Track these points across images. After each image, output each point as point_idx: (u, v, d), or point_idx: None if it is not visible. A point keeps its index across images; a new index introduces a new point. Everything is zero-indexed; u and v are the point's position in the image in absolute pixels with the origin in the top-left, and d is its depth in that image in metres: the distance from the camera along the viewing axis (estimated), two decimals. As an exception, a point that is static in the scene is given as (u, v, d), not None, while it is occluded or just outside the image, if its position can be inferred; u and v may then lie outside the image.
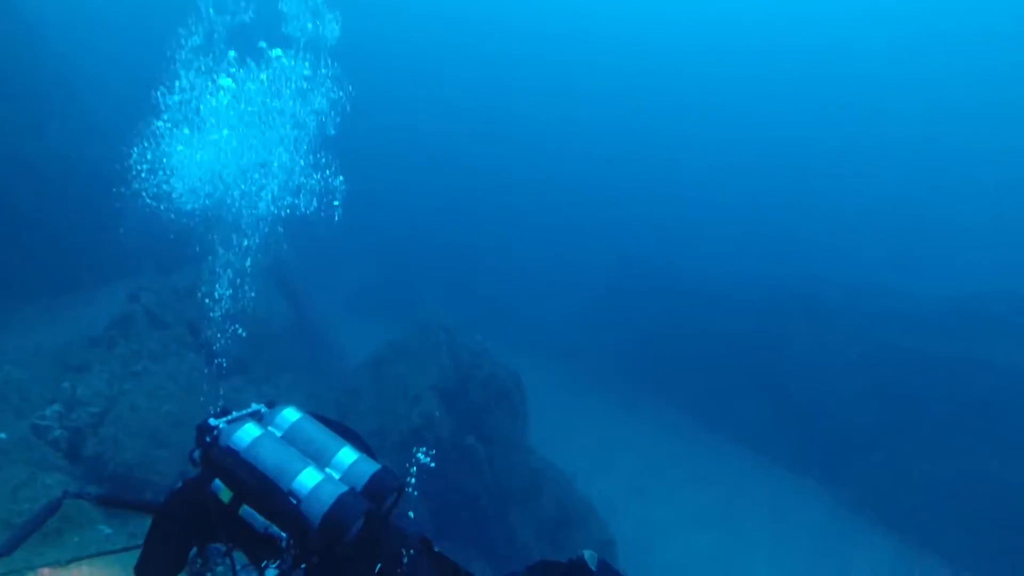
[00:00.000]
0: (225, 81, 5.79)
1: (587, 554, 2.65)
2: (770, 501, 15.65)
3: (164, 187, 6.05)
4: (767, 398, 19.05)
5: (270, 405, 2.82)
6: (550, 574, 2.65)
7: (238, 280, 7.04)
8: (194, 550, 2.59)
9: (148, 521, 2.60)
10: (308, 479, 2.45)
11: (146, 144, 6.03)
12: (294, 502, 2.40)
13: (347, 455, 2.65)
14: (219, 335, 8.01)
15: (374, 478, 2.60)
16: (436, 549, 2.74)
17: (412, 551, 2.62)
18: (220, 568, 2.60)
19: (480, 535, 10.57)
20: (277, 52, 6.11)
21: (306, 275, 23.62)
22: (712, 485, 15.81)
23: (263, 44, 6.06)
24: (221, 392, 9.12)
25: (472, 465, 10.58)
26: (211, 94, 5.82)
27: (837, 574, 13.41)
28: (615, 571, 2.65)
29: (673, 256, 26.91)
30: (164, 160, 5.96)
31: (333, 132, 6.56)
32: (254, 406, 2.81)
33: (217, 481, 2.45)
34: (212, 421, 2.63)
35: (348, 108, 6.59)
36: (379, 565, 2.53)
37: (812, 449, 17.51)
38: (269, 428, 2.66)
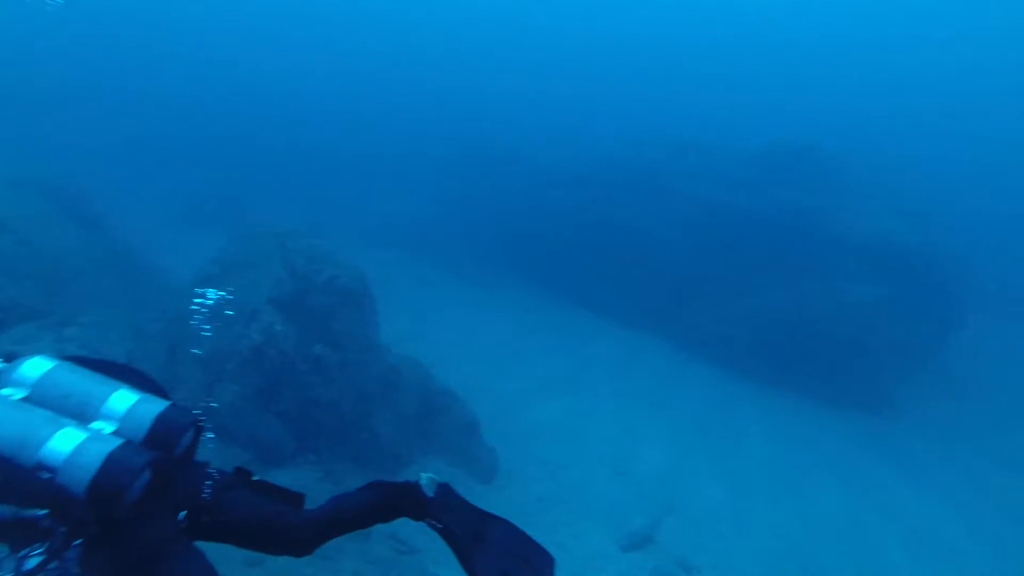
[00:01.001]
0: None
1: (424, 478, 2.53)
2: (616, 357, 17.06)
3: None
4: (606, 264, 20.30)
5: (8, 358, 2.31)
6: (380, 494, 2.52)
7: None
8: None
9: None
10: (63, 443, 2.03)
11: None
12: (46, 476, 1.99)
13: (121, 400, 2.26)
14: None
15: (159, 420, 2.25)
16: (256, 478, 2.53)
17: (214, 485, 2.37)
18: None
19: (345, 441, 10.54)
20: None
21: (115, 196, 20.88)
22: (564, 352, 16.86)
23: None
24: None
25: (324, 373, 10.32)
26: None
27: (671, 407, 15.06)
28: (456, 496, 2.54)
29: (507, 136, 26.85)
30: None
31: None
32: None
33: None
34: None
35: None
36: (183, 513, 2.28)
37: (649, 305, 19.14)
38: (2, 391, 2.20)
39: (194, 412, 2.42)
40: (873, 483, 12.95)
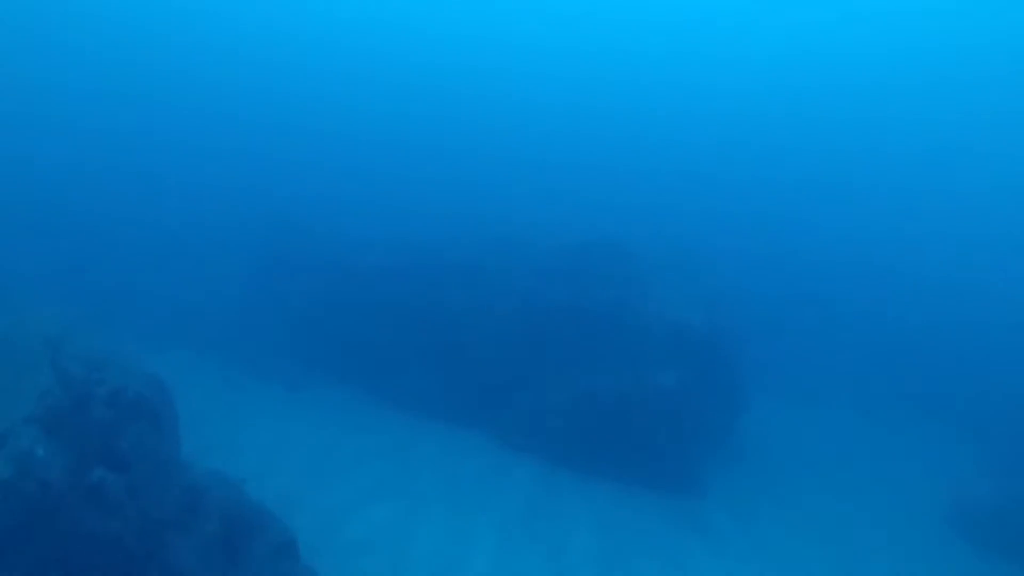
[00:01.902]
0: None
1: None
2: (439, 457, 16.58)
3: None
4: (425, 359, 20.02)
5: None
6: None
7: None
8: None
9: None
10: None
11: None
12: None
13: None
14: None
15: None
16: None
17: None
18: None
19: (128, 582, 8.74)
20: None
21: None
22: (385, 455, 16.02)
23: None
24: None
25: (106, 503, 8.59)
26: None
27: (498, 505, 14.84)
28: None
29: (324, 227, 26.02)
30: None
31: None
32: None
33: None
34: None
35: None
36: None
37: (470, 399, 19.09)
38: None
39: None
40: (688, 564, 13.67)
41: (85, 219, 25.80)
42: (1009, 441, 20.49)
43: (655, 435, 16.98)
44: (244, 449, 14.19)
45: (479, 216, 28.87)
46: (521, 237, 23.77)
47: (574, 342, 19.25)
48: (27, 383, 8.92)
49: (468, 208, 36.98)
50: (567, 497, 15.64)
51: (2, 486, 7.86)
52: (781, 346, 24.78)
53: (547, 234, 23.96)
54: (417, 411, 18.78)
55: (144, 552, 8.89)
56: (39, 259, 21.70)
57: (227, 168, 36.48)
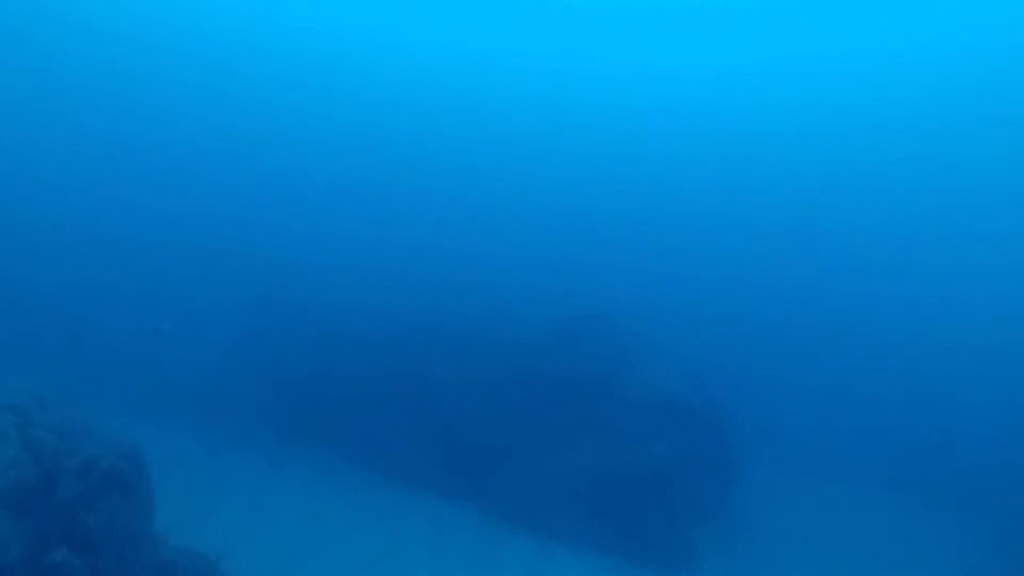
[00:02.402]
0: None
1: None
2: (426, 533, 15.85)
3: None
4: (412, 430, 19.45)
5: None
6: None
7: None
8: None
9: None
10: None
11: None
12: None
13: None
14: None
15: None
16: None
17: None
18: None
19: (86, 676, 7.98)
20: None
21: None
22: (370, 530, 15.27)
23: None
24: None
25: (67, 586, 7.94)
26: None
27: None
28: None
29: (308, 297, 25.74)
30: None
31: None
32: None
33: None
34: None
35: None
36: None
37: (458, 472, 18.45)
38: None
39: None
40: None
41: (62, 288, 25.33)
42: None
43: (647, 508, 16.43)
44: (223, 523, 13.42)
45: (466, 287, 28.86)
46: (509, 309, 23.72)
47: (564, 415, 18.90)
48: (-7, 454, 8.42)
49: (454, 278, 37.05)
50: (560, 574, 14.89)
51: (-43, 568, 7.27)
52: (773, 417, 24.47)
53: (535, 306, 23.94)
54: (404, 482, 18.07)
55: (107, 641, 8.18)
56: (12, 327, 21.14)
57: (207, 236, 36.36)
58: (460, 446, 18.91)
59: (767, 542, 18.03)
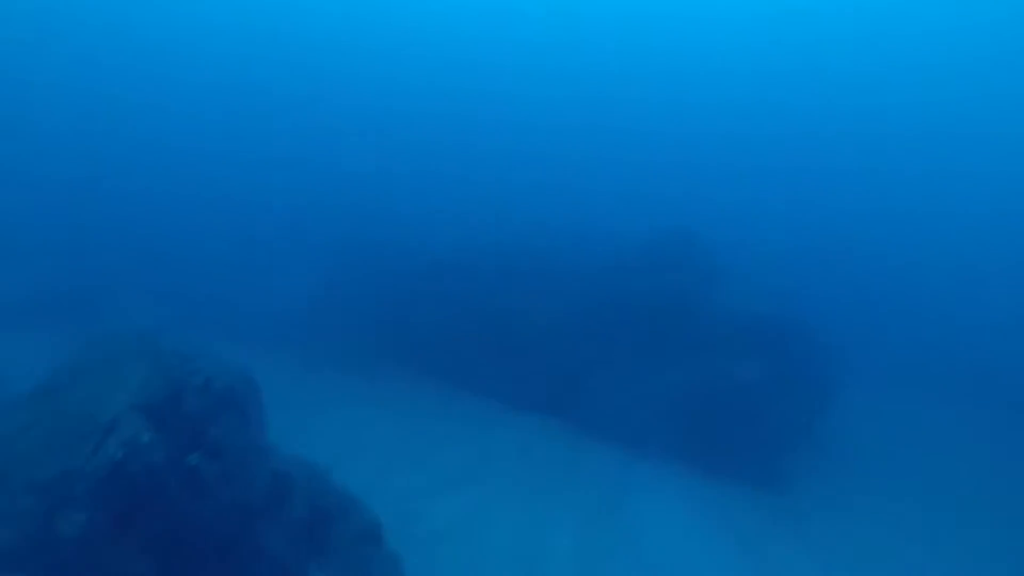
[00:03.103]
0: None
1: None
2: (515, 444, 16.54)
3: None
4: (500, 350, 20.06)
5: None
6: None
7: None
8: None
9: None
10: None
11: None
12: None
13: None
14: None
15: None
16: None
17: None
18: None
19: (227, 562, 9.11)
20: None
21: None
22: (463, 443, 16.12)
23: None
24: None
25: (200, 487, 8.98)
26: None
27: (576, 492, 14.64)
28: None
29: (391, 222, 26.55)
30: None
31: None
32: None
33: None
34: None
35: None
36: None
37: (544, 389, 18.99)
38: None
39: None
40: (774, 557, 13.07)
41: (172, 227, 27.26)
42: None
43: (735, 426, 16.37)
44: (326, 438, 14.60)
45: (552, 210, 28.75)
46: (595, 230, 23.52)
47: (651, 335, 18.83)
48: (129, 374, 9.44)
49: (540, 203, 36.93)
50: (647, 486, 15.29)
51: (116, 468, 8.34)
52: (867, 335, 23.43)
53: (621, 226, 23.61)
54: (493, 399, 18.83)
55: (236, 535, 9.25)
56: (134, 264, 23.10)
57: (298, 173, 37.79)
58: (548, 365, 19.37)
59: (857, 463, 17.69)
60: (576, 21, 58.78)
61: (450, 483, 14.31)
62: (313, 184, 37.63)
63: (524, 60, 60.49)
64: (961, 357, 24.51)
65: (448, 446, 16.01)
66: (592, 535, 12.97)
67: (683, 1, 54.69)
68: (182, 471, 8.88)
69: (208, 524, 8.93)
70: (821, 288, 22.49)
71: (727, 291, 19.11)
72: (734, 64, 56.11)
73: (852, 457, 17.96)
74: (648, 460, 16.38)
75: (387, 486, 13.46)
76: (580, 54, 59.62)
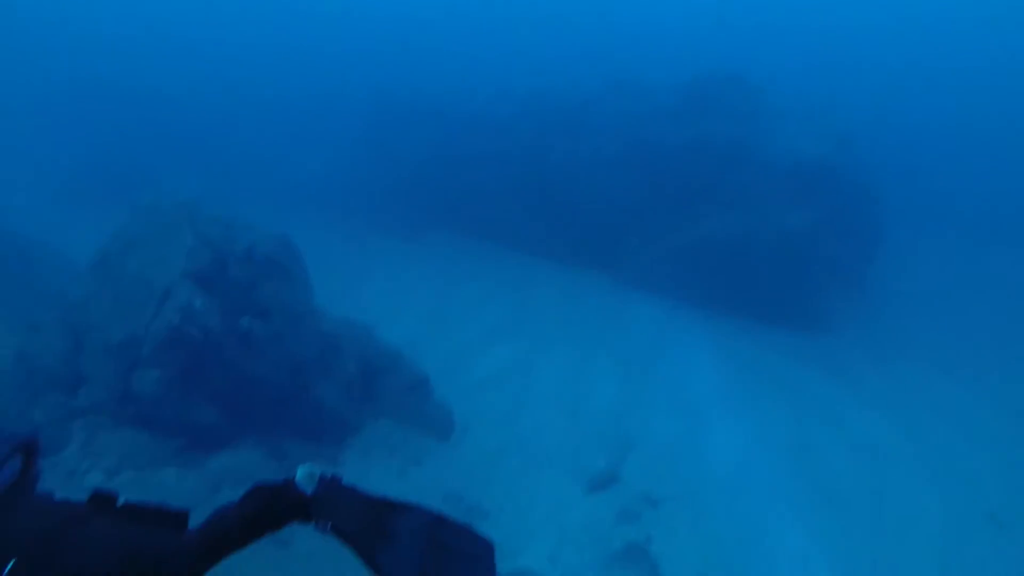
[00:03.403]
0: None
1: (300, 473, 2.09)
2: (557, 297, 16.82)
3: None
4: (540, 205, 19.83)
5: None
6: (258, 502, 2.07)
7: None
8: None
9: None
10: None
11: None
12: None
13: None
14: None
15: None
16: (122, 502, 2.02)
17: (59, 521, 1.85)
18: None
19: (286, 415, 9.87)
20: None
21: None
22: (504, 298, 16.47)
23: None
24: None
25: (254, 347, 9.52)
26: None
27: (618, 342, 14.99)
28: (345, 488, 2.12)
29: (424, 82, 25.43)
30: None
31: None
32: None
33: None
34: None
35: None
36: (9, 565, 1.71)
37: (586, 242, 18.92)
38: None
39: (20, 437, 1.85)
40: (817, 398, 13.34)
41: (205, 97, 26.88)
42: None
43: (781, 277, 16.12)
44: (370, 298, 15.12)
45: (586, 57, 26.97)
46: (633, 76, 22.06)
47: (694, 183, 18.16)
48: (175, 245, 9.73)
49: (575, 50, 34.65)
50: (689, 332, 15.54)
51: (174, 331, 8.88)
52: (917, 181, 22.05)
53: (662, 72, 22.04)
54: (534, 254, 18.95)
55: (294, 390, 9.91)
56: (176, 137, 23.13)
57: (333, 33, 36.18)
58: (590, 218, 19.15)
59: (908, 308, 17.40)
60: None
61: (494, 336, 14.79)
62: (348, 44, 36.11)
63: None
64: (1010, 202, 23.14)
65: (492, 301, 16.37)
66: (635, 382, 13.41)
67: None
68: (236, 333, 9.38)
69: (265, 380, 9.57)
70: (871, 131, 20.88)
71: (774, 136, 18.00)
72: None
73: (897, 302, 17.68)
74: (690, 310, 16.48)
75: (433, 341, 14.01)
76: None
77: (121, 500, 2.00)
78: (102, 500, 1.97)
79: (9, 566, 1.67)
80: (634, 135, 19.25)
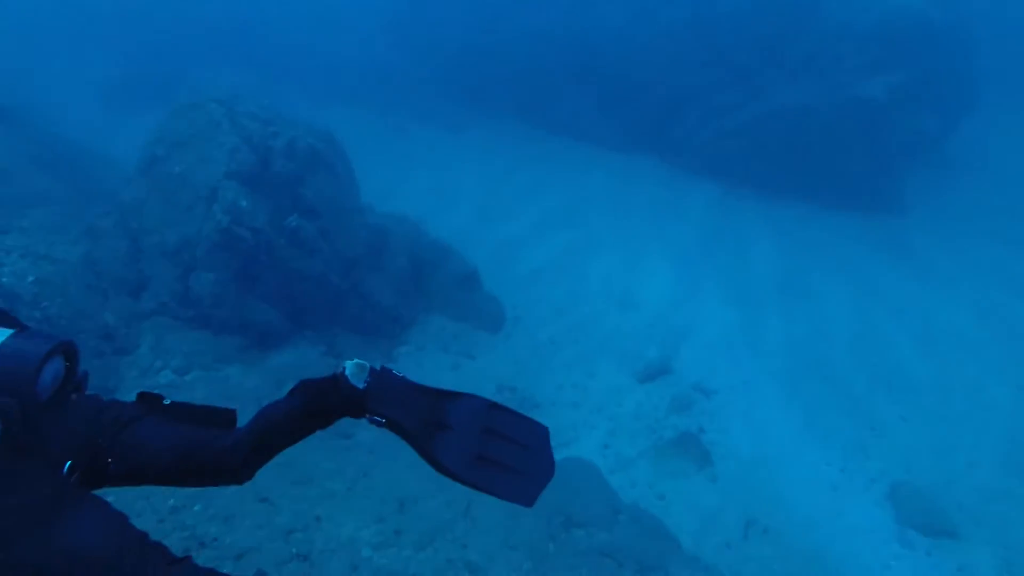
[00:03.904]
0: None
1: (349, 367, 2.03)
2: (609, 185, 16.19)
3: None
4: (585, 85, 18.60)
5: None
6: (306, 396, 2.04)
7: None
8: None
9: None
10: None
11: None
12: None
13: None
14: None
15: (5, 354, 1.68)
16: (168, 401, 2.06)
17: (111, 421, 1.90)
18: None
19: (340, 312, 10.05)
20: None
21: (35, 80, 18.69)
22: (553, 187, 15.94)
23: None
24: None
25: (304, 245, 9.55)
26: None
27: (672, 230, 14.48)
28: (397, 379, 2.07)
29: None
30: None
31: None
32: None
33: None
34: None
35: None
36: (68, 464, 1.75)
37: (637, 125, 17.87)
38: None
39: (60, 338, 1.82)
40: (881, 283, 12.74)
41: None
42: None
43: (852, 152, 14.93)
44: (418, 190, 14.89)
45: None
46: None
47: (757, 51, 16.58)
48: (215, 144, 9.59)
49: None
50: (748, 217, 14.86)
51: (224, 233, 8.94)
52: (1013, 39, 19.33)
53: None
54: (585, 140, 18.10)
55: (346, 286, 10.01)
56: (213, 38, 22.41)
57: None
58: (640, 96, 17.96)
59: (989, 185, 16.00)
60: None
61: (545, 226, 14.48)
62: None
63: None
64: None
65: (542, 191, 15.90)
66: (691, 270, 13.05)
67: None
68: (285, 231, 9.39)
69: (318, 277, 9.66)
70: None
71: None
72: None
73: (983, 180, 16.28)
74: (750, 193, 15.65)
75: (483, 233, 13.83)
76: None
77: (167, 400, 2.04)
78: (150, 401, 2.02)
79: (66, 466, 1.73)
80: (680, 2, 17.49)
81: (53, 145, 13.64)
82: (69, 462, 1.75)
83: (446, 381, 9.97)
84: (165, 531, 5.34)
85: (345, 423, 2.05)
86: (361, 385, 1.99)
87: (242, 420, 2.05)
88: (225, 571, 1.88)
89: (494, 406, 2.09)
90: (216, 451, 1.94)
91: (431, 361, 10.27)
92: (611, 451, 8.95)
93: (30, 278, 7.87)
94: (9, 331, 1.73)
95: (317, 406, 2.01)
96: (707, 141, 16.70)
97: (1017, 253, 13.44)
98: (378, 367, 2.08)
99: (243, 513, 5.72)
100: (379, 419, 1.98)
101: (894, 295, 12.34)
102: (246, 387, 8.68)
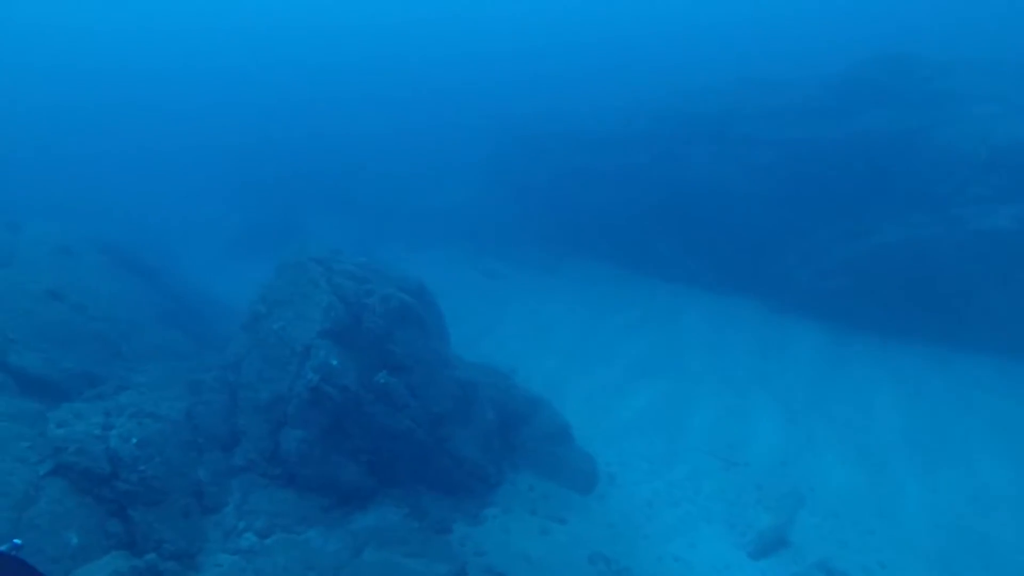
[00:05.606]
0: None
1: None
2: (706, 329, 15.50)
3: None
4: (680, 227, 18.57)
5: None
6: None
7: None
8: None
9: None
10: None
11: None
12: None
13: None
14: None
15: None
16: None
17: None
18: None
19: (426, 469, 9.71)
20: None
21: (173, 235, 20.99)
22: (648, 331, 15.46)
23: None
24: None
25: (392, 401, 9.47)
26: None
27: (778, 377, 13.41)
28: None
29: (549, 110, 25.07)
30: None
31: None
32: None
33: None
34: None
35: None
36: None
37: (734, 265, 17.39)
38: None
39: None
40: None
41: (340, 151, 28.50)
42: None
43: (981, 287, 13.61)
44: (508, 337, 14.83)
45: (719, 65, 25.28)
46: (768, 75, 20.24)
47: (858, 185, 16.06)
48: (313, 302, 10.01)
49: (715, 53, 32.73)
50: (863, 362, 13.60)
51: (314, 392, 9.06)
52: None
53: (802, 67, 20.00)
54: (678, 281, 17.72)
55: (433, 443, 9.73)
56: (322, 197, 24.74)
57: (458, 86, 37.34)
58: (734, 236, 17.62)
59: None
60: None
61: (639, 374, 13.86)
62: (470, 84, 37.02)
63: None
64: None
65: (635, 335, 15.45)
66: (802, 424, 11.87)
67: None
68: (373, 389, 9.40)
69: (405, 434, 9.47)
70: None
71: (958, 121, 15.43)
72: None
73: None
74: (862, 335, 14.44)
75: (574, 382, 13.39)
76: None
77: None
78: None
79: None
80: (777, 139, 17.50)
81: (182, 296, 14.94)
82: None
83: (534, 547, 9.20)
84: None
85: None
86: None
87: None
88: None
89: None
90: None
91: (518, 525, 9.56)
92: (724, 647, 7.70)
93: (134, 440, 8.17)
94: None
95: None
96: (810, 279, 15.88)
97: None
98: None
99: None
100: None
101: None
102: (326, 551, 8.34)
